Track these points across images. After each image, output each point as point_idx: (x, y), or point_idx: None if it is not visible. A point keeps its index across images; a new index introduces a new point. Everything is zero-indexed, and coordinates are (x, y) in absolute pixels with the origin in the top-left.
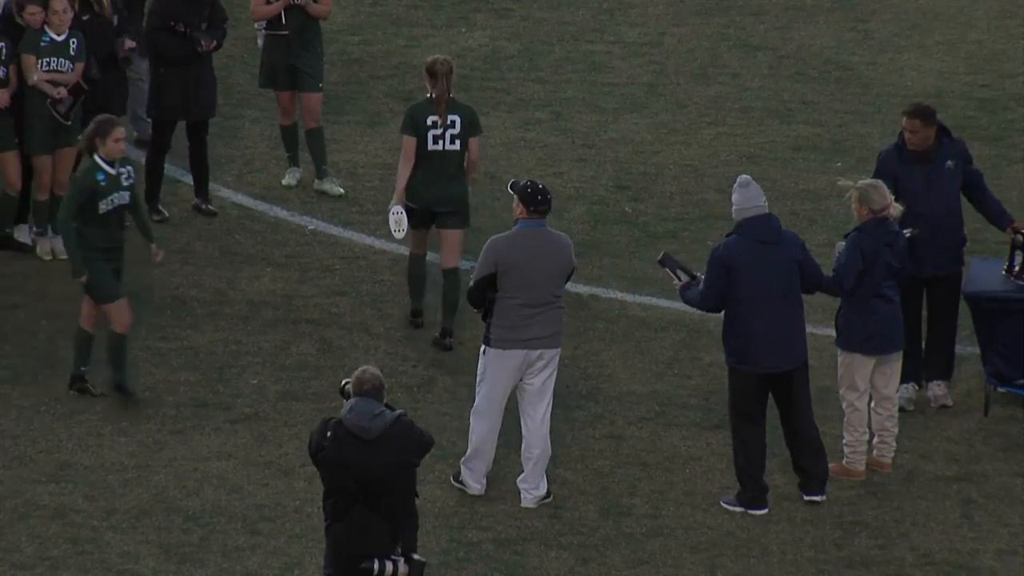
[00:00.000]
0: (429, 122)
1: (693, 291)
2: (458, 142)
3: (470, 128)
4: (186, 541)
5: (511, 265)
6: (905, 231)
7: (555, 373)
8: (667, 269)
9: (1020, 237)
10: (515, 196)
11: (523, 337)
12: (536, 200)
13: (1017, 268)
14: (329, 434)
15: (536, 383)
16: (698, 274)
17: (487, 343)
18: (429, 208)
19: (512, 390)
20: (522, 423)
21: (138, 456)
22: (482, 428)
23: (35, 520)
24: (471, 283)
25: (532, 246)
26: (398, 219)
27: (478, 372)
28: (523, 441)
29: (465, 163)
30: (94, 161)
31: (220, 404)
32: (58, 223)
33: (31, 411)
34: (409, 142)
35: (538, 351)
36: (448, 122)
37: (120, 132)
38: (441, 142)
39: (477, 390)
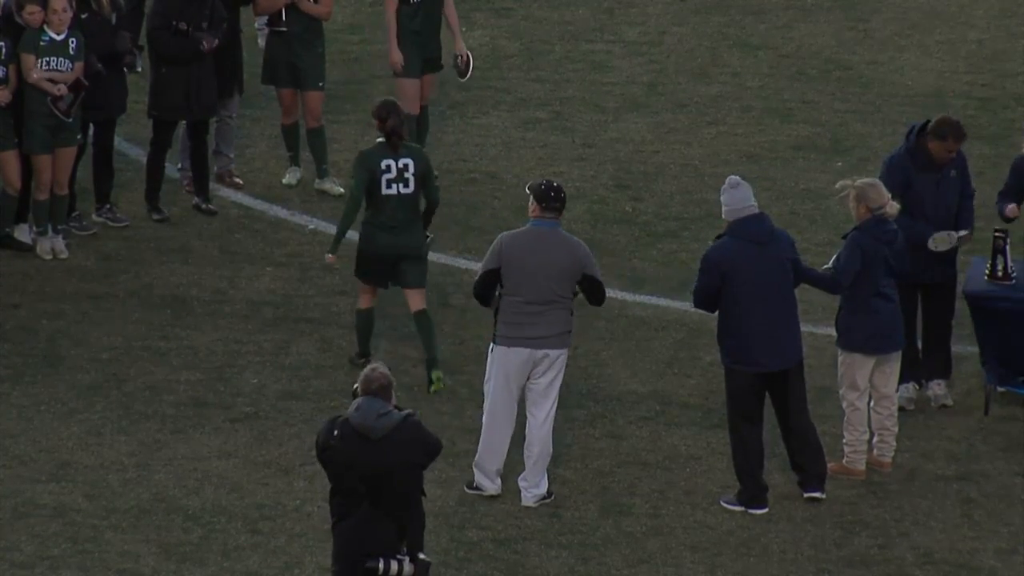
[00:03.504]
0: None
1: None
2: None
3: None
4: (186, 540)
5: (514, 262)
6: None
7: (561, 374)
8: None
9: (1000, 241)
10: (531, 195)
11: (527, 335)
12: (549, 197)
13: (1000, 272)
14: (336, 432)
15: (541, 384)
16: None
17: (493, 341)
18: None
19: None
20: (527, 422)
21: (138, 455)
22: (491, 427)
23: (35, 519)
24: (477, 276)
25: (537, 245)
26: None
27: (486, 371)
28: (525, 439)
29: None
30: None
31: (220, 403)
32: None
33: (31, 411)
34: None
35: (543, 351)
36: None
37: None
38: None
39: (485, 388)
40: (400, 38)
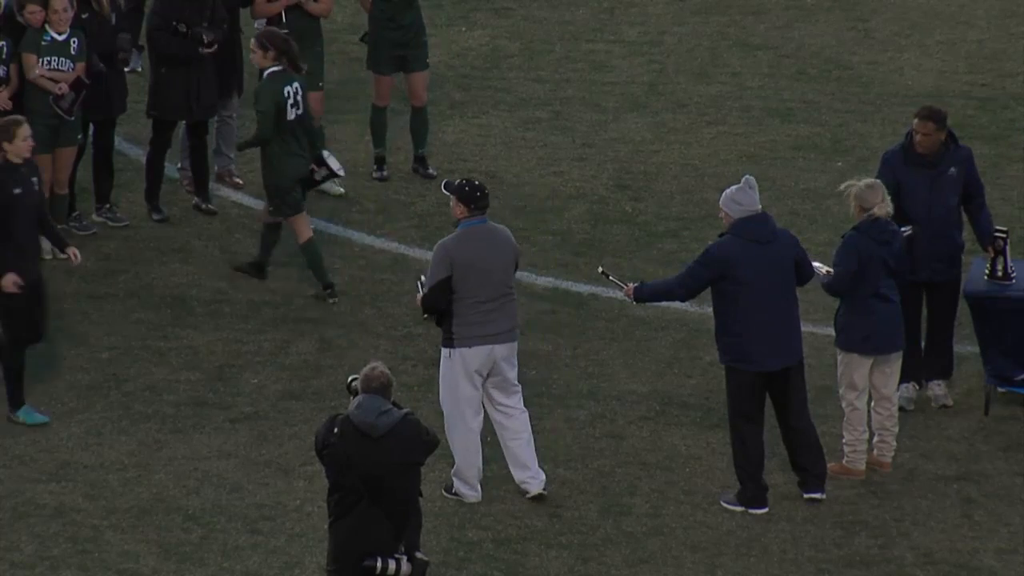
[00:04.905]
0: None
1: (653, 284)
2: None
3: None
4: (186, 540)
5: (466, 264)
6: (904, 229)
7: (516, 364)
8: (612, 279)
9: (1000, 241)
10: (452, 196)
11: (487, 333)
12: (476, 197)
13: (1000, 272)
14: (336, 430)
15: (506, 377)
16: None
17: (450, 345)
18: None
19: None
20: (501, 417)
21: (138, 455)
22: (463, 436)
23: (35, 519)
24: (425, 290)
25: (482, 243)
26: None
27: (440, 383)
28: (507, 432)
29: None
30: None
31: (220, 403)
32: None
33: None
34: None
35: (503, 345)
36: None
37: None
38: None
39: (442, 401)
40: (373, 30)
